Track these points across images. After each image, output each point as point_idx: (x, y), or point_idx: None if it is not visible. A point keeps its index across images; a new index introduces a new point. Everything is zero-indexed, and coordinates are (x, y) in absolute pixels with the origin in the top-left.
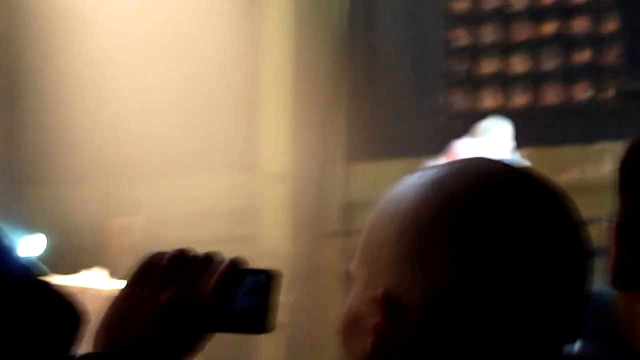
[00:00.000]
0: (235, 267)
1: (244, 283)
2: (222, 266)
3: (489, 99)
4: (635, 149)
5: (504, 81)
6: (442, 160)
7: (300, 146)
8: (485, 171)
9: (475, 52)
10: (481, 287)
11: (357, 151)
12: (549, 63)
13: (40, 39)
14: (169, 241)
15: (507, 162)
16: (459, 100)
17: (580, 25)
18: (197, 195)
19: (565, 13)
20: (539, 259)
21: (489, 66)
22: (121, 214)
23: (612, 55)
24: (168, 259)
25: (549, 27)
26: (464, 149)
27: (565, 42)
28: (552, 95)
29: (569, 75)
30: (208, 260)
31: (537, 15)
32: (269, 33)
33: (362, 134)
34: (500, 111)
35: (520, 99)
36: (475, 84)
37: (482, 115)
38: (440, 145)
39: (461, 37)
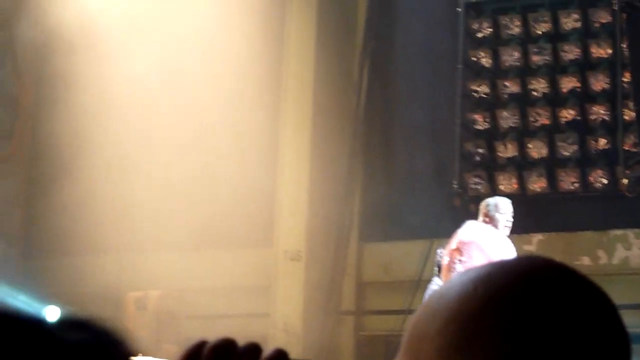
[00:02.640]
0: (278, 359)
1: None
2: (265, 357)
3: (505, 183)
4: None
5: (521, 166)
6: (449, 244)
7: (315, 225)
8: (526, 267)
9: (493, 136)
10: None
11: (371, 232)
12: (566, 149)
13: (60, 110)
14: (183, 316)
15: (547, 259)
16: (475, 184)
17: (597, 112)
18: (213, 271)
19: (583, 100)
20: (582, 352)
21: (506, 151)
22: (137, 287)
23: (628, 143)
24: (210, 349)
25: (567, 114)
26: (468, 231)
27: (583, 129)
28: (568, 181)
29: (585, 162)
30: (251, 350)
31: (555, 101)
32: (288, 118)
33: (377, 215)
34: (516, 196)
35: (536, 184)
36: (492, 168)
37: None
38: (455, 228)
39: (479, 121)
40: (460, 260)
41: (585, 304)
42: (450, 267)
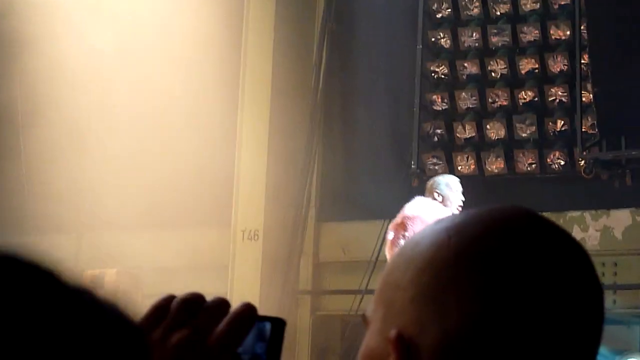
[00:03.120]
0: (246, 313)
1: (251, 330)
2: (234, 311)
3: (463, 164)
4: None
5: (479, 147)
6: (395, 219)
7: (273, 205)
8: (501, 216)
9: (452, 117)
10: (496, 328)
11: (329, 211)
12: (524, 130)
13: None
14: (140, 295)
15: (520, 208)
16: (433, 164)
17: (555, 94)
18: (170, 249)
19: (541, 81)
20: (553, 300)
21: (464, 132)
22: (93, 266)
23: (586, 125)
24: (179, 302)
25: (525, 95)
26: (414, 207)
27: (541, 110)
28: (525, 163)
29: (543, 143)
30: (219, 304)
31: (513, 83)
32: (246, 97)
33: (335, 195)
34: (474, 177)
35: (494, 166)
36: (450, 148)
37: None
38: None
39: (438, 102)
40: (403, 236)
41: (557, 254)
42: (394, 242)
